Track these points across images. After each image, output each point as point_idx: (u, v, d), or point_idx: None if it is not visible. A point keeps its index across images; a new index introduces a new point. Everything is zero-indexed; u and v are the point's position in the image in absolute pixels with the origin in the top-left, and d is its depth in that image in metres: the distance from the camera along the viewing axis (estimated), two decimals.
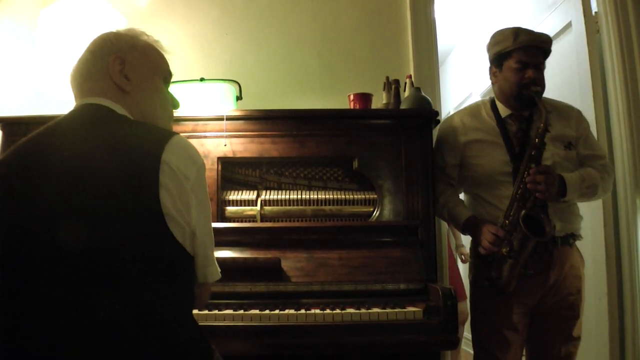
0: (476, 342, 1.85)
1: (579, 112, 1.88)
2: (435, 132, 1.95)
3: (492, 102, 1.88)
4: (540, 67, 1.77)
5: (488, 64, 1.89)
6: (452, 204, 1.85)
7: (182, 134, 1.02)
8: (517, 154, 1.75)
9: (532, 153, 1.67)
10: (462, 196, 1.98)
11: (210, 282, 1.05)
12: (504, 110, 1.83)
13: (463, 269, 3.73)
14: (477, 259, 1.80)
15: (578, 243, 1.83)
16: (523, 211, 1.63)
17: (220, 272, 1.08)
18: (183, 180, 0.94)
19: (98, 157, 0.93)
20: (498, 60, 1.82)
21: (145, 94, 1.12)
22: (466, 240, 3.67)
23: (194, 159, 0.99)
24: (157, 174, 0.91)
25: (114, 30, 1.15)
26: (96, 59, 1.09)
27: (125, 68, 1.09)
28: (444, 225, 2.38)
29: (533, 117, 1.80)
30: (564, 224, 1.76)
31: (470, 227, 1.79)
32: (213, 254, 1.05)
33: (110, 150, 0.94)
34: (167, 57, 1.18)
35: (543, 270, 1.72)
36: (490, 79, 1.89)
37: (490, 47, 1.85)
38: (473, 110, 1.91)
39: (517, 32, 1.76)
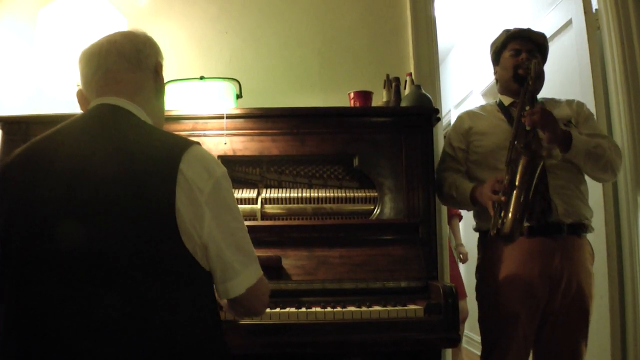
0: (482, 336, 1.84)
1: (580, 102, 1.94)
2: (436, 130, 1.96)
3: (498, 100, 1.98)
4: (533, 54, 1.86)
5: (491, 69, 2.03)
6: (459, 181, 1.85)
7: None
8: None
9: (525, 96, 1.72)
10: None
11: (233, 297, 0.99)
12: (507, 100, 1.93)
13: (462, 267, 3.74)
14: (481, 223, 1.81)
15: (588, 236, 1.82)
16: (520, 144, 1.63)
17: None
18: (197, 193, 0.92)
19: (106, 161, 0.92)
20: (496, 57, 1.97)
21: (162, 105, 1.16)
22: (465, 240, 3.68)
23: (210, 171, 0.96)
24: (174, 183, 0.90)
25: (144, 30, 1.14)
26: (142, 57, 1.08)
27: (161, 73, 1.14)
28: (445, 222, 2.38)
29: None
30: (568, 207, 1.74)
31: (477, 194, 1.75)
32: (239, 267, 0.98)
33: (122, 154, 0.93)
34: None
35: (546, 255, 1.70)
36: (495, 80, 2.01)
37: (490, 52, 2.01)
38: (482, 106, 2.05)
39: (508, 29, 1.94)
